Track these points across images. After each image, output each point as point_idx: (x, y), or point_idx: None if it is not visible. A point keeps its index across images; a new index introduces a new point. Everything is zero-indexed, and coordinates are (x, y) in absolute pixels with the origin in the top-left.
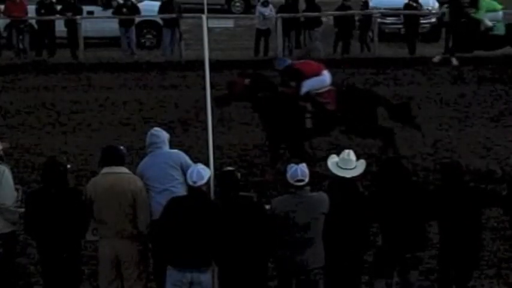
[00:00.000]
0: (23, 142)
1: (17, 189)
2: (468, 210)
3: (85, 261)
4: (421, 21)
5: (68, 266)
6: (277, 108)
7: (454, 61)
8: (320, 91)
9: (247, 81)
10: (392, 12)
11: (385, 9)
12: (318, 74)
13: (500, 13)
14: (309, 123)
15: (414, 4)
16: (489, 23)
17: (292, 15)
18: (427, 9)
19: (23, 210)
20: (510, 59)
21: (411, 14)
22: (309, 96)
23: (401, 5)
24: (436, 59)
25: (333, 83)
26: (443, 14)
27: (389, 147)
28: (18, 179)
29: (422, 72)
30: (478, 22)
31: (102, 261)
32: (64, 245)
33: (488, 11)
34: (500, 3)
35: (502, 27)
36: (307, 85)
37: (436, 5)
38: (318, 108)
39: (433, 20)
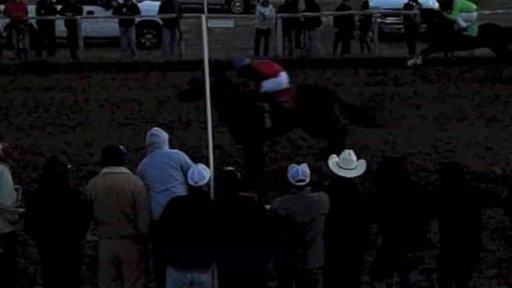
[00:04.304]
0: (23, 142)
1: (16, 189)
2: (468, 210)
3: (85, 261)
4: None
5: (68, 266)
6: (237, 108)
7: (412, 61)
8: (279, 89)
9: (211, 79)
10: (393, 12)
11: (385, 9)
12: (275, 75)
13: (475, 14)
14: (268, 123)
15: (414, 4)
16: (463, 24)
17: (292, 15)
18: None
19: (22, 210)
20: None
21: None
22: (268, 95)
23: (401, 5)
24: (411, 62)
25: (291, 83)
26: (415, 15)
27: (335, 148)
28: (18, 179)
29: (421, 72)
30: (452, 22)
31: (102, 261)
32: (64, 245)
33: (463, 11)
34: (475, 4)
35: (475, 28)
36: (265, 86)
37: (436, 5)
38: (276, 107)
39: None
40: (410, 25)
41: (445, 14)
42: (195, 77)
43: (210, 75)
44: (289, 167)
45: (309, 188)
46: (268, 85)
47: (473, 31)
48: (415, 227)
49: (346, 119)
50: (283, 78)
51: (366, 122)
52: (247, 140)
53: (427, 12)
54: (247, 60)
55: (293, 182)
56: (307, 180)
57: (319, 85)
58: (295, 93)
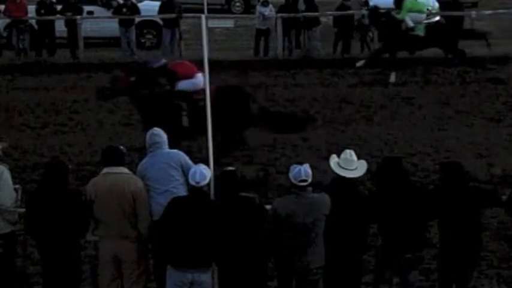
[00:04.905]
0: (23, 142)
1: (16, 190)
2: (468, 210)
3: (85, 261)
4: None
5: (68, 266)
6: (155, 106)
7: (392, 77)
8: (196, 90)
9: (132, 78)
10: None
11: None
12: (191, 76)
13: (424, 15)
14: (185, 122)
15: None
16: (410, 23)
17: (292, 15)
18: (427, 9)
19: (22, 210)
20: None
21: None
22: (185, 94)
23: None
24: (360, 63)
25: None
26: (363, 16)
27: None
28: (18, 179)
29: (421, 72)
30: (400, 22)
31: (102, 261)
32: (64, 245)
33: (413, 11)
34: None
35: (422, 28)
36: (181, 86)
37: (436, 5)
38: (193, 106)
39: (433, 20)
40: (358, 25)
41: (393, 13)
42: (115, 75)
43: (132, 75)
44: (291, 167)
45: (310, 189)
46: (183, 85)
47: (420, 31)
48: (415, 227)
49: (264, 122)
50: (199, 79)
51: (284, 128)
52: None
53: (374, 12)
54: (164, 61)
55: (295, 182)
56: (309, 180)
57: (238, 86)
58: (213, 92)
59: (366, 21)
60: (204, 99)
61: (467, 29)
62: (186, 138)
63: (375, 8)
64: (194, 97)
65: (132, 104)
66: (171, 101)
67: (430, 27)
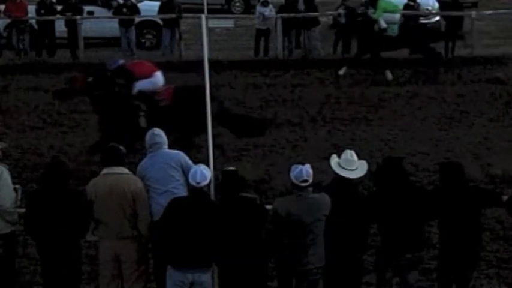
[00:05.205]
0: (23, 142)
1: (15, 190)
2: (468, 210)
3: (85, 261)
4: (421, 21)
5: (68, 266)
6: (112, 107)
7: (389, 75)
8: (155, 89)
9: (90, 78)
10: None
11: None
12: (149, 75)
13: (398, 16)
14: (143, 122)
15: (411, 3)
16: (383, 24)
17: (292, 15)
18: (427, 9)
19: (22, 210)
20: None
21: (411, 14)
22: (144, 95)
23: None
24: (342, 71)
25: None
26: (339, 15)
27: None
28: (18, 179)
29: (422, 72)
30: (373, 22)
31: (102, 261)
32: (64, 245)
33: (387, 11)
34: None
35: (395, 28)
36: (139, 86)
37: (436, 5)
38: (152, 107)
39: (433, 20)
40: (334, 24)
41: (369, 13)
42: (72, 76)
43: (89, 75)
44: (293, 167)
45: (311, 189)
46: (141, 85)
47: (394, 31)
48: (415, 227)
49: (224, 124)
50: (157, 78)
51: (244, 131)
52: (121, 139)
53: (351, 12)
54: (121, 61)
55: (296, 182)
56: (310, 180)
57: (197, 86)
58: (172, 92)
59: (343, 20)
60: (165, 100)
61: (442, 31)
62: (143, 139)
63: (352, 8)
64: (155, 98)
65: (91, 106)
66: (129, 101)
67: (402, 27)
